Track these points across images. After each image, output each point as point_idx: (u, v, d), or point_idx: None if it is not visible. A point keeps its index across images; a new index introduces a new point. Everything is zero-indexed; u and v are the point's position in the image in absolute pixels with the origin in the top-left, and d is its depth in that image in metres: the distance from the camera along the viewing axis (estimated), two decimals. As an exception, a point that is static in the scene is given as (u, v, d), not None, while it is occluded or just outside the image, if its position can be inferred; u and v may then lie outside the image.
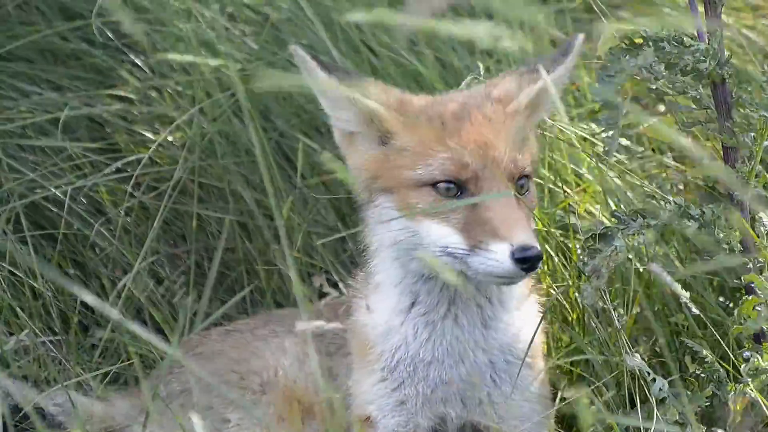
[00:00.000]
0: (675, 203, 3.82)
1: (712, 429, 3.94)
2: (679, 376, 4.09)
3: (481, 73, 4.20)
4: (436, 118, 3.80)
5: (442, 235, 3.72)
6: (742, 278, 3.92)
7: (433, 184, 3.73)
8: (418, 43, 5.29)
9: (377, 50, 5.24)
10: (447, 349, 3.89)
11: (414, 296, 3.89)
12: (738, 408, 3.85)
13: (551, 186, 4.63)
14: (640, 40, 3.78)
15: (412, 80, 5.09)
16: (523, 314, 3.96)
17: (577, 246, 4.42)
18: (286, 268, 4.82)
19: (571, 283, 4.28)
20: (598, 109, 3.82)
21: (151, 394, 3.98)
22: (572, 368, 4.29)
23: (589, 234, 3.86)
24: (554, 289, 4.23)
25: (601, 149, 4.35)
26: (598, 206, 4.52)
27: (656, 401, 3.82)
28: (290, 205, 4.85)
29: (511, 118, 3.83)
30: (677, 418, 3.80)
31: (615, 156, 4.63)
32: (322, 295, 4.94)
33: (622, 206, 4.53)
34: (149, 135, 5.08)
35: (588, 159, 4.54)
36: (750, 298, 3.86)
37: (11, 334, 4.48)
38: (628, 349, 3.94)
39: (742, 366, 3.84)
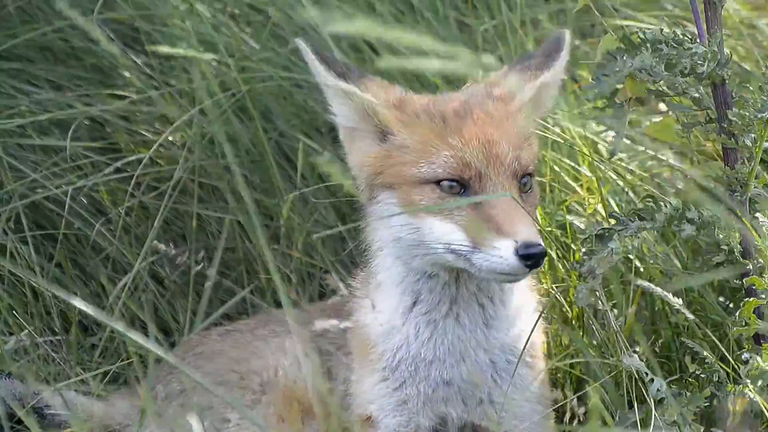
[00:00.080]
0: (672, 207, 3.82)
1: (712, 429, 3.93)
2: (678, 377, 4.10)
3: (481, 74, 4.20)
4: (438, 115, 3.80)
5: (445, 232, 3.72)
6: (743, 281, 3.92)
7: (437, 182, 3.74)
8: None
9: (379, 49, 5.25)
10: (448, 349, 3.89)
11: (416, 295, 3.89)
12: (737, 409, 3.84)
13: (552, 185, 4.62)
14: (638, 41, 3.78)
15: (413, 79, 5.10)
16: (524, 314, 3.96)
17: (574, 246, 4.42)
18: (285, 268, 4.83)
19: (571, 282, 4.28)
20: (600, 105, 3.81)
21: (148, 394, 3.98)
22: (571, 369, 4.29)
23: (587, 235, 3.86)
24: (554, 289, 4.23)
25: (602, 148, 4.35)
26: (598, 206, 4.52)
27: (654, 402, 3.82)
28: (290, 204, 4.86)
29: (514, 116, 3.84)
30: (675, 418, 3.80)
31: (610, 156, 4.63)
32: (322, 294, 4.95)
33: (622, 206, 4.54)
34: (149, 135, 5.08)
35: (588, 158, 4.54)
36: (751, 300, 3.85)
37: (11, 334, 4.48)
38: (625, 349, 3.94)
39: (742, 367, 3.83)
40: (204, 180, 5.06)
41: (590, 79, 5.03)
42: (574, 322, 4.35)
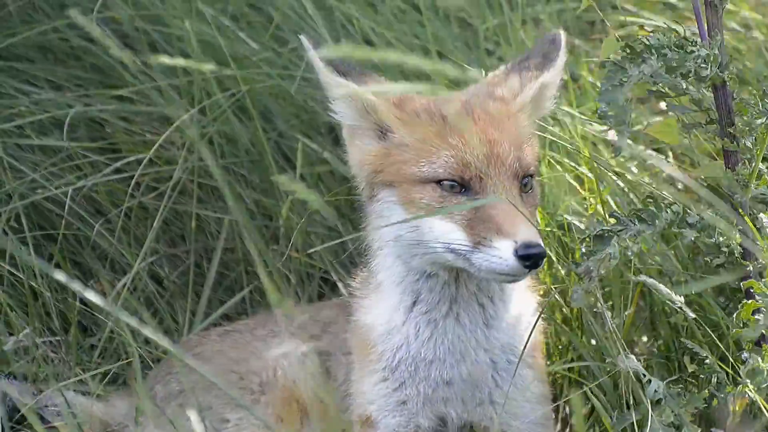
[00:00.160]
0: (672, 212, 3.82)
1: (712, 430, 3.93)
2: (678, 377, 4.09)
3: (483, 73, 4.20)
4: (439, 115, 3.80)
5: (445, 231, 3.72)
6: (741, 284, 3.92)
7: (437, 181, 3.73)
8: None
9: (379, 48, 5.25)
10: (449, 348, 3.89)
11: (416, 295, 3.89)
12: (737, 409, 3.84)
13: (552, 185, 4.62)
14: (642, 47, 3.78)
15: (414, 78, 5.10)
16: (524, 314, 3.96)
17: (573, 246, 4.43)
18: (284, 268, 4.84)
19: (570, 282, 4.28)
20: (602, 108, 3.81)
21: (146, 394, 3.99)
22: (570, 369, 4.29)
23: (586, 235, 3.86)
24: (553, 289, 4.22)
25: (601, 148, 4.34)
26: (598, 206, 4.52)
27: (652, 402, 3.82)
28: (289, 205, 4.85)
29: (515, 116, 3.84)
30: (672, 419, 3.80)
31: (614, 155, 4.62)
32: (321, 295, 4.95)
33: (623, 206, 4.53)
34: (149, 135, 5.08)
35: (587, 158, 4.53)
36: (749, 302, 3.85)
37: (11, 334, 4.48)
38: (622, 351, 3.94)
39: (741, 367, 3.83)
40: (203, 180, 5.06)
41: (589, 80, 5.05)
42: (573, 322, 4.35)
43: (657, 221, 3.84)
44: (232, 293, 4.91)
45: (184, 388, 4.22)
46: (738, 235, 3.83)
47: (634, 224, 3.85)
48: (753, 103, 3.83)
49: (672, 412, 3.82)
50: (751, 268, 3.93)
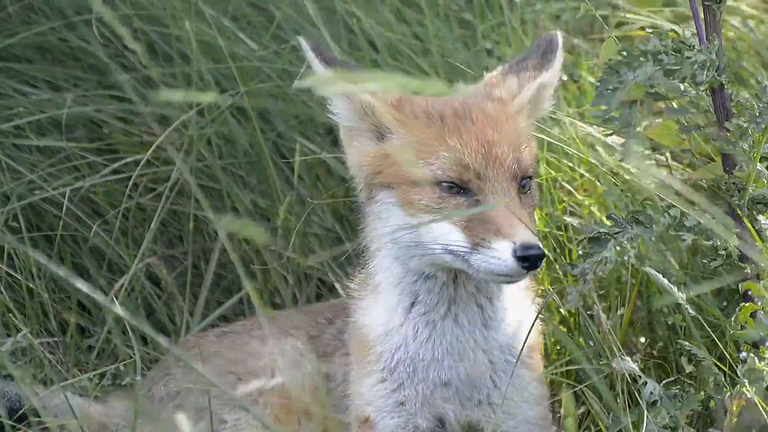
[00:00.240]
0: (671, 216, 3.82)
1: (709, 430, 3.93)
2: (675, 378, 4.09)
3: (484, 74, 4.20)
4: (437, 116, 3.80)
5: (443, 232, 3.72)
6: (739, 286, 3.92)
7: (436, 183, 3.73)
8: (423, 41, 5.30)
9: (380, 47, 5.25)
10: (447, 349, 3.89)
11: (414, 296, 3.89)
12: (734, 409, 3.84)
13: (550, 186, 4.62)
14: (638, 52, 3.79)
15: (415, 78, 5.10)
16: (522, 314, 3.95)
17: (571, 247, 4.43)
18: (281, 269, 4.84)
19: (568, 283, 4.28)
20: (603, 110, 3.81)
21: (143, 395, 3.99)
22: (567, 371, 4.28)
23: (582, 237, 3.86)
24: (550, 290, 4.22)
25: (600, 149, 4.34)
26: (593, 207, 4.52)
27: (648, 404, 3.82)
28: (287, 206, 4.85)
29: (513, 117, 3.84)
30: (668, 421, 3.80)
31: (613, 156, 4.63)
32: (319, 296, 4.95)
33: (621, 207, 4.53)
34: (146, 136, 5.08)
35: (585, 159, 4.53)
36: (747, 305, 3.85)
37: (8, 335, 4.48)
38: (617, 352, 3.94)
39: (739, 367, 3.83)
40: (201, 181, 5.06)
41: (589, 80, 5.05)
42: (571, 323, 4.35)
43: (654, 225, 3.84)
44: (230, 294, 4.91)
45: (181, 389, 4.22)
46: (735, 238, 3.83)
47: (632, 227, 3.85)
48: (749, 106, 3.83)
49: (668, 413, 3.82)
50: (749, 271, 3.93)
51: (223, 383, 4.18)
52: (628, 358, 3.92)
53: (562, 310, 4.37)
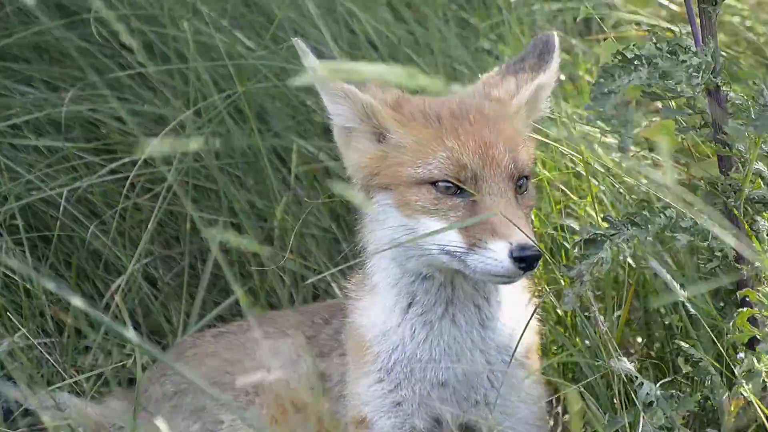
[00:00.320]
0: (666, 216, 3.82)
1: (707, 430, 3.93)
2: (672, 379, 4.09)
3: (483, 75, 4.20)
4: (434, 116, 3.80)
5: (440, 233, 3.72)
6: (737, 293, 3.92)
7: (433, 183, 3.73)
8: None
9: (379, 47, 5.24)
10: (444, 350, 3.89)
11: (411, 296, 3.89)
12: (732, 410, 3.84)
13: (547, 186, 4.62)
14: (633, 55, 3.79)
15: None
16: (519, 315, 3.96)
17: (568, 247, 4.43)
18: (278, 270, 4.83)
19: (564, 284, 4.27)
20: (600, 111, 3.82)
21: (138, 397, 3.99)
22: (563, 371, 4.29)
23: (579, 240, 3.86)
24: (547, 290, 4.22)
25: (598, 149, 4.34)
26: (588, 207, 4.52)
27: (644, 405, 3.82)
28: (284, 206, 4.86)
29: (511, 118, 3.84)
30: (664, 422, 3.80)
31: (611, 156, 4.63)
32: (316, 296, 4.95)
33: (619, 208, 4.53)
34: (144, 136, 5.08)
35: (582, 159, 4.53)
36: (744, 309, 3.85)
37: (5, 336, 4.48)
38: (614, 352, 3.94)
39: (737, 368, 3.83)
40: (198, 182, 5.06)
41: (587, 79, 5.05)
42: (568, 322, 4.35)
43: (650, 225, 3.84)
44: (227, 295, 4.90)
45: (178, 389, 4.22)
46: (732, 239, 3.82)
47: (627, 228, 3.85)
48: (745, 108, 3.83)
49: (664, 414, 3.82)
50: (745, 272, 3.93)
51: (220, 383, 4.18)
52: (625, 359, 3.92)
53: (558, 311, 4.37)
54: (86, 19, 5.15)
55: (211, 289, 4.95)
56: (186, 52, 5.09)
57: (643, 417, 3.80)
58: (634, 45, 3.81)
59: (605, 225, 3.86)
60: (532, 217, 4.31)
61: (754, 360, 3.82)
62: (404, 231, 3.77)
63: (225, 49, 5.03)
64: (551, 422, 4.41)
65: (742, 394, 3.81)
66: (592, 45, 5.39)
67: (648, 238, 3.84)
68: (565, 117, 4.62)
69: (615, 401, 3.98)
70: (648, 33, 3.97)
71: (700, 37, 3.91)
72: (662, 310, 4.34)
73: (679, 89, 3.87)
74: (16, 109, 5.02)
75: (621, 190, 4.57)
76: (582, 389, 4.03)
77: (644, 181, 4.38)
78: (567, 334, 4.31)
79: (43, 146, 5.02)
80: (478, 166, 3.71)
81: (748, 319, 3.86)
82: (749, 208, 3.96)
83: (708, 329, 4.05)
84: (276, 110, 5.15)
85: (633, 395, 3.86)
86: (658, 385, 3.87)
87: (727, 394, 3.84)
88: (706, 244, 3.92)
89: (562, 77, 5.09)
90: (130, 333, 2.89)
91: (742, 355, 3.86)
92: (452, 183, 3.72)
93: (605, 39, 4.19)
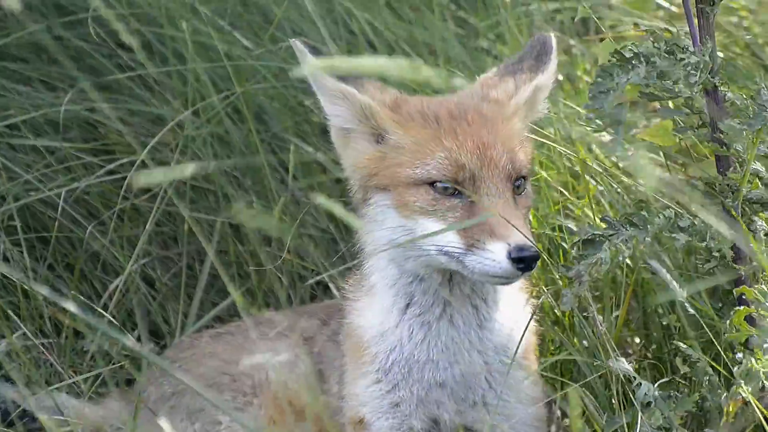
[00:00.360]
0: (665, 216, 3.82)
1: (705, 430, 3.94)
2: (670, 379, 4.09)
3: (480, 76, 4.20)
4: (433, 117, 3.80)
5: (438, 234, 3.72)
6: (734, 291, 3.92)
7: (431, 183, 3.73)
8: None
9: (378, 47, 5.25)
10: (442, 350, 3.89)
11: (409, 297, 3.89)
12: (731, 411, 3.84)
13: (544, 186, 4.62)
14: (631, 54, 3.79)
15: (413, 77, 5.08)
16: (517, 315, 3.95)
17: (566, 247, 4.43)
18: (276, 270, 4.83)
19: (562, 284, 4.28)
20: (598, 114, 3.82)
21: (137, 398, 3.99)
22: (562, 371, 4.29)
23: (577, 240, 3.86)
24: (544, 290, 4.23)
25: (596, 148, 4.34)
26: (585, 208, 4.52)
27: (642, 405, 3.82)
28: (282, 206, 4.85)
29: (509, 119, 3.84)
30: (662, 422, 3.80)
31: (608, 156, 4.63)
32: (313, 296, 4.95)
33: (617, 208, 4.53)
34: (143, 137, 5.08)
35: (580, 160, 4.54)
36: (742, 308, 3.85)
37: (3, 337, 4.48)
38: (612, 353, 3.94)
39: (735, 368, 3.83)
40: (196, 182, 5.06)
41: (585, 79, 5.05)
42: (566, 323, 4.35)
43: (649, 226, 3.84)
44: (225, 295, 4.90)
45: (176, 390, 4.22)
46: (731, 235, 3.83)
47: (626, 229, 3.85)
48: (743, 108, 3.83)
49: (662, 414, 3.82)
50: (743, 273, 3.93)
51: (218, 384, 4.19)
52: (623, 359, 3.92)
53: (556, 311, 4.37)
54: (84, 20, 5.15)
55: (209, 290, 4.95)
56: (184, 52, 5.09)
57: (642, 417, 3.80)
58: (632, 44, 3.81)
59: (603, 225, 3.86)
60: (530, 217, 4.31)
61: (752, 360, 3.82)
62: (402, 232, 3.77)
63: (223, 49, 5.03)
64: (554, 428, 4.41)
65: (740, 394, 3.81)
66: (590, 45, 5.39)
67: (647, 238, 3.84)
68: (563, 117, 4.62)
69: (613, 401, 3.98)
70: (646, 33, 3.97)
71: (698, 37, 3.91)
72: (660, 311, 4.34)
73: (676, 89, 3.88)
74: (14, 109, 5.02)
75: (619, 190, 4.57)
76: (580, 390, 4.03)
77: (642, 179, 4.37)
78: (565, 335, 4.31)
79: (41, 146, 5.02)
80: (476, 167, 3.72)
81: (745, 319, 3.85)
82: (747, 209, 3.96)
83: (706, 329, 4.05)
84: (274, 111, 5.15)
85: (631, 395, 3.86)
86: (655, 385, 3.87)
87: (725, 395, 3.84)
88: (704, 244, 3.92)
89: (560, 77, 5.09)
90: (130, 341, 2.89)
91: (740, 355, 3.85)
92: (450, 184, 3.72)
93: (603, 39, 4.19)
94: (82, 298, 4.72)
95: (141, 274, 4.91)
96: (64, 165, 5.01)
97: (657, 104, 4.78)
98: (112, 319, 4.52)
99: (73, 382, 4.40)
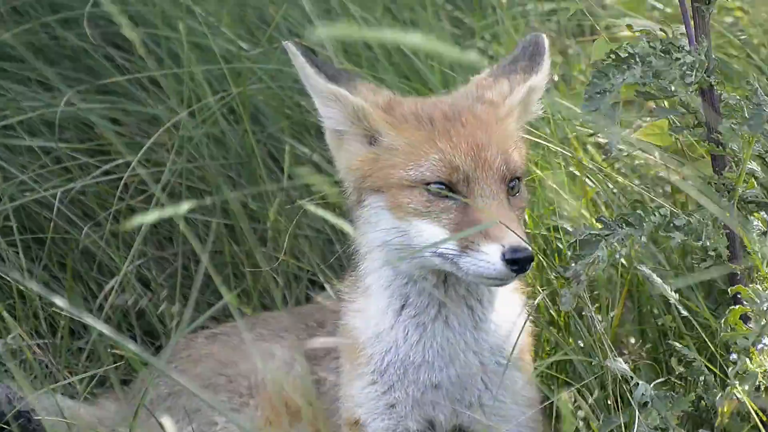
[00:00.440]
0: (660, 215, 3.82)
1: (700, 431, 3.93)
2: (665, 379, 4.09)
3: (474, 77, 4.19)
4: (426, 118, 3.79)
5: (433, 235, 3.71)
6: (729, 290, 3.92)
7: (425, 185, 3.73)
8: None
9: (374, 46, 5.24)
10: (437, 351, 3.89)
11: (404, 298, 3.89)
12: (726, 411, 3.84)
13: (539, 187, 4.62)
14: (627, 54, 3.79)
15: (409, 77, 5.10)
16: (513, 316, 3.95)
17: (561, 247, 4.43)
18: (272, 271, 4.83)
19: (558, 285, 4.27)
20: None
21: (135, 398, 3.99)
22: (558, 371, 4.29)
23: (573, 241, 3.86)
24: (540, 291, 4.23)
25: (593, 148, 4.34)
26: (582, 210, 4.52)
27: (639, 405, 3.82)
28: (277, 207, 4.85)
29: (503, 120, 3.84)
30: (658, 422, 3.80)
31: (605, 157, 4.63)
32: (309, 297, 4.94)
33: (613, 208, 4.53)
34: (138, 137, 5.08)
35: (575, 160, 4.54)
36: (737, 307, 3.85)
37: (-2, 336, 4.49)
38: (609, 352, 3.94)
39: (730, 369, 3.83)
40: (191, 183, 5.05)
41: (581, 79, 5.05)
42: (561, 323, 4.35)
43: (644, 225, 3.84)
44: (220, 296, 4.90)
45: (173, 390, 4.22)
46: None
47: (622, 228, 3.85)
48: (738, 108, 3.83)
49: (658, 414, 3.82)
50: (739, 272, 3.93)
51: (214, 385, 4.18)
52: (620, 359, 3.92)
53: (551, 312, 4.37)
54: (80, 20, 5.14)
55: (204, 290, 4.94)
56: (180, 52, 5.09)
57: (638, 417, 3.80)
58: (627, 44, 3.81)
59: (599, 226, 3.86)
60: (526, 217, 4.31)
61: (747, 361, 3.82)
62: (396, 233, 3.77)
63: (219, 49, 5.02)
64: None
65: (735, 395, 3.81)
66: (585, 46, 5.39)
67: (642, 237, 3.84)
68: (559, 117, 4.62)
69: (609, 402, 3.98)
70: (640, 34, 3.96)
71: (694, 37, 3.91)
72: (655, 311, 4.34)
73: (672, 88, 3.88)
74: (10, 110, 5.01)
75: (615, 191, 4.57)
76: (576, 390, 4.03)
77: (637, 182, 4.38)
78: (561, 335, 4.31)
79: (37, 147, 5.02)
80: (470, 168, 3.71)
81: (740, 318, 3.85)
82: (742, 208, 3.96)
83: (701, 330, 4.05)
84: (270, 111, 5.14)
85: (628, 395, 3.86)
86: (651, 385, 3.87)
87: (720, 395, 3.84)
88: (699, 243, 3.92)
89: (555, 78, 5.09)
90: (129, 345, 2.88)
91: (735, 356, 3.85)
92: (444, 185, 3.72)
93: (598, 39, 4.19)
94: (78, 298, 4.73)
95: (136, 275, 4.90)
96: (60, 165, 5.01)
97: (653, 104, 4.79)
98: (108, 319, 4.52)
99: (69, 383, 4.40)
